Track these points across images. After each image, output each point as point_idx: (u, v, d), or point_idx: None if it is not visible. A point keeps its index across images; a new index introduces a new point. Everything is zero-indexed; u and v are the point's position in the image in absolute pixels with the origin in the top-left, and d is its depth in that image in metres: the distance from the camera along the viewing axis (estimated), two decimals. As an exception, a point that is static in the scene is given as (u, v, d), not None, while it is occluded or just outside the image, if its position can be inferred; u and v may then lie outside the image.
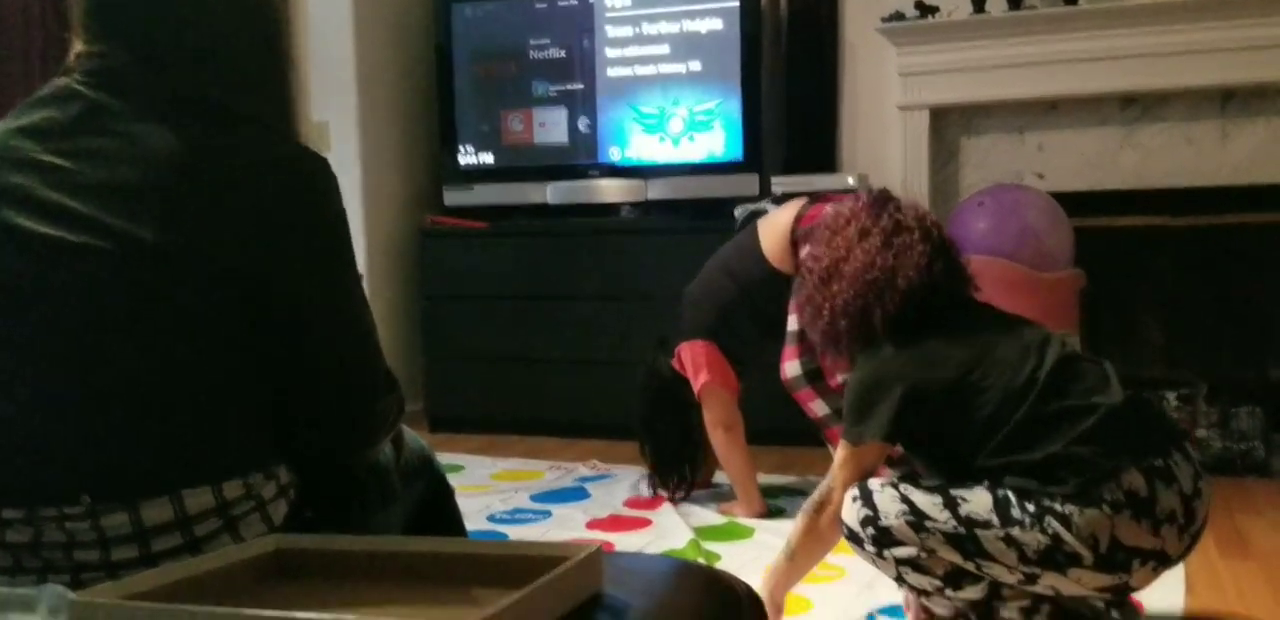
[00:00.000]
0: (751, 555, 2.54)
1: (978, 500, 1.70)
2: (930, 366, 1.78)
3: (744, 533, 2.76)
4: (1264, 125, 3.62)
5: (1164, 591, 2.09)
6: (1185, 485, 1.68)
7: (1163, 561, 1.68)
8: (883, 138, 4.05)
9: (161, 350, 1.14)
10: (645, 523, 2.85)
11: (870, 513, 1.76)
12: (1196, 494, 1.69)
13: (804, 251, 2.74)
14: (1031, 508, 1.66)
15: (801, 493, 2.94)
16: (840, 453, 1.85)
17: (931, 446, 1.85)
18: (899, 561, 1.75)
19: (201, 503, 1.14)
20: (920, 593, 1.80)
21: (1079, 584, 1.67)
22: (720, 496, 3.08)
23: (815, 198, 2.90)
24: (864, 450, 1.81)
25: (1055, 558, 1.65)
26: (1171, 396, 3.42)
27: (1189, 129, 3.70)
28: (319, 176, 1.24)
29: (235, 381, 1.18)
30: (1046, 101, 3.81)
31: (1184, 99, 3.68)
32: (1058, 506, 1.64)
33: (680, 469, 3.02)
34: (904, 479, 1.82)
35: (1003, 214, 3.44)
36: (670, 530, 2.76)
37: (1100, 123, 3.79)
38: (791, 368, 2.74)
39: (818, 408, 2.73)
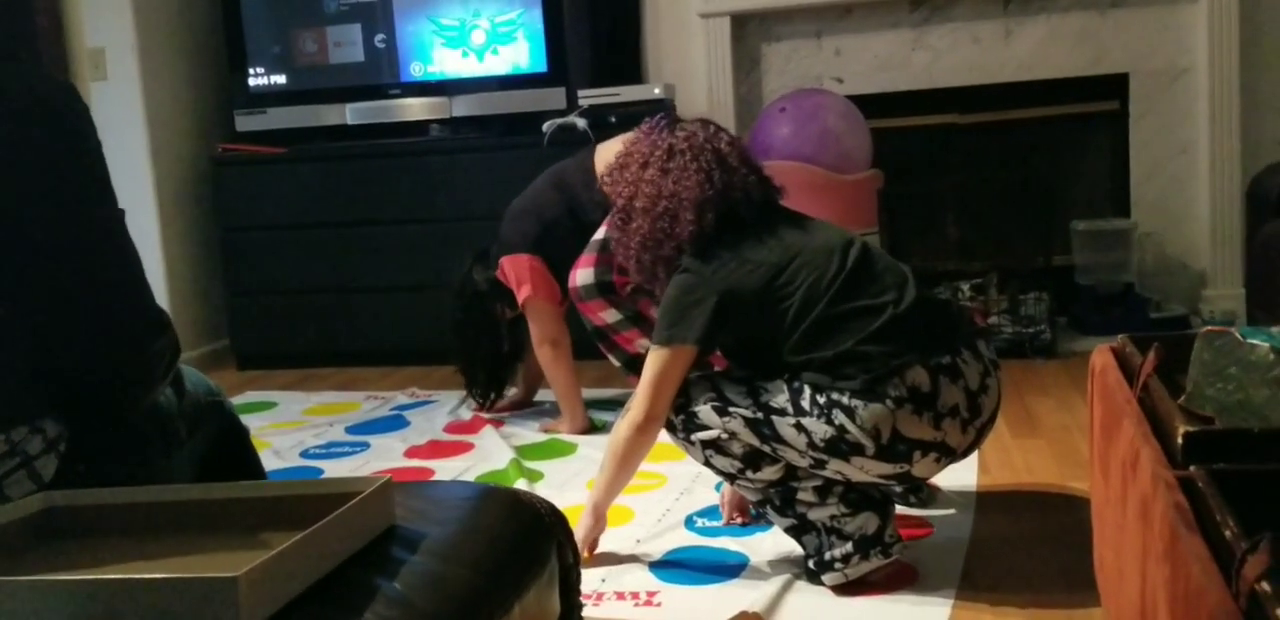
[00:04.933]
0: (574, 470, 2.57)
1: (776, 390, 1.79)
2: (740, 275, 1.83)
3: (566, 449, 2.78)
4: (1044, 23, 3.76)
5: (959, 470, 2.20)
6: (972, 382, 1.77)
7: (946, 453, 1.78)
8: (687, 47, 4.03)
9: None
10: (466, 447, 2.84)
11: (683, 400, 1.86)
12: (983, 390, 1.79)
13: None
14: (821, 400, 1.74)
15: (622, 405, 2.97)
16: (649, 358, 1.88)
17: (741, 347, 1.92)
18: (704, 444, 1.84)
19: (-41, 464, 1.07)
20: (727, 477, 1.89)
21: (863, 471, 1.77)
22: (542, 415, 3.09)
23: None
24: (674, 353, 1.85)
25: (840, 447, 1.74)
26: (965, 286, 3.59)
27: (975, 28, 3.80)
28: (66, 107, 1.16)
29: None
30: (841, 6, 3.85)
31: (969, -1, 3.78)
32: (845, 400, 1.72)
33: (486, 376, 3.07)
34: (716, 374, 1.90)
35: (803, 119, 3.48)
36: (491, 452, 2.75)
37: (892, 25, 3.85)
38: (584, 275, 2.67)
39: (608, 316, 2.68)
